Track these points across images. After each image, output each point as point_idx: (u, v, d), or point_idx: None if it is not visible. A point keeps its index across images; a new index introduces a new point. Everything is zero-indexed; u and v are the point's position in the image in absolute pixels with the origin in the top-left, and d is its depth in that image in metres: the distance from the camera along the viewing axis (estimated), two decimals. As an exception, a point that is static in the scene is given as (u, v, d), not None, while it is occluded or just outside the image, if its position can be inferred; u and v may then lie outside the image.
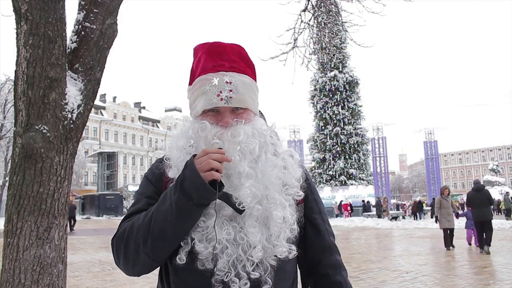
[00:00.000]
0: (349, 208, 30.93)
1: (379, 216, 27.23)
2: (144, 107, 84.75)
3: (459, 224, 20.43)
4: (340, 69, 36.19)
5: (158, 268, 1.28)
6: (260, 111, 1.39)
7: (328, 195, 33.21)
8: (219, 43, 1.28)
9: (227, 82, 1.21)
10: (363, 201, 32.53)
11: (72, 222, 22.91)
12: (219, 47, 1.27)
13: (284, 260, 1.18)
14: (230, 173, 1.17)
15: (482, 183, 12.12)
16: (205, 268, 1.13)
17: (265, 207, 1.18)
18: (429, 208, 33.14)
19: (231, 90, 1.20)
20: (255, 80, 1.31)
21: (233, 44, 1.30)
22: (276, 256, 1.17)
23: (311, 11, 6.16)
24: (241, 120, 1.21)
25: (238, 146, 1.18)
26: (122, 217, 1.30)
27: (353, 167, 35.23)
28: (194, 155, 1.15)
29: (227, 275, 1.12)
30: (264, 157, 1.22)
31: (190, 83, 1.30)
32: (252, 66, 1.32)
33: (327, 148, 35.64)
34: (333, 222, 21.34)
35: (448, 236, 11.52)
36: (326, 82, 36.00)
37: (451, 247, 11.33)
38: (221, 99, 1.20)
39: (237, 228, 1.15)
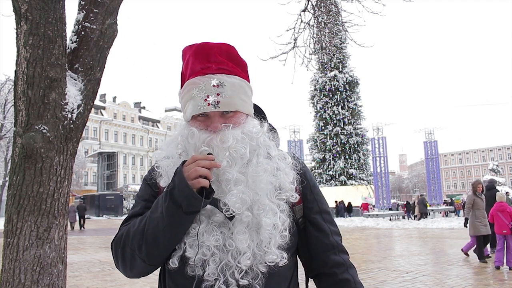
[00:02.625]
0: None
1: (423, 216, 26.82)
2: (144, 107, 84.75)
3: (460, 224, 20.49)
4: (340, 69, 36.19)
5: (159, 269, 1.29)
6: (260, 108, 1.37)
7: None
8: (206, 44, 1.25)
9: (214, 86, 1.18)
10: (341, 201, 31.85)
11: (82, 221, 24.83)
12: (206, 48, 1.23)
13: (276, 265, 1.16)
14: (220, 180, 1.16)
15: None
16: (195, 273, 1.13)
17: (256, 213, 1.16)
18: (429, 208, 33.18)
19: (218, 94, 1.18)
20: (247, 79, 1.28)
21: (221, 44, 1.26)
22: (266, 263, 1.15)
23: (311, 11, 6.16)
24: (229, 125, 1.18)
25: (227, 151, 1.16)
26: (123, 219, 1.30)
27: (353, 167, 35.25)
28: (184, 162, 1.14)
29: (216, 282, 1.11)
30: (255, 161, 1.20)
31: (181, 87, 1.28)
32: (243, 65, 1.28)
33: (327, 148, 35.64)
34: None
35: (482, 245, 9.10)
36: (326, 82, 35.99)
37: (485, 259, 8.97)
38: (209, 104, 1.17)
39: (227, 235, 1.14)
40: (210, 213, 1.16)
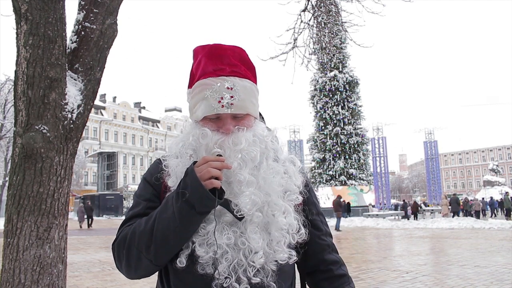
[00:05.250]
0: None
1: (455, 214, 27.15)
2: (144, 107, 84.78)
3: (460, 224, 20.48)
4: (340, 69, 36.11)
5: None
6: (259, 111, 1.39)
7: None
8: (219, 46, 1.26)
9: (228, 88, 1.19)
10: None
11: (90, 220, 27.26)
12: (220, 50, 1.25)
13: (286, 263, 1.19)
14: (231, 181, 1.18)
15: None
16: (205, 272, 1.14)
17: (266, 213, 1.18)
18: (430, 208, 33.29)
19: (232, 96, 1.19)
20: (256, 83, 1.30)
21: (234, 47, 1.28)
22: (276, 261, 1.17)
23: (311, 11, 6.16)
24: (243, 128, 1.21)
25: (239, 154, 1.17)
26: (123, 219, 1.30)
27: (353, 167, 35.17)
28: (195, 162, 1.15)
29: (227, 280, 1.12)
30: (265, 164, 1.22)
31: (190, 86, 1.28)
32: (253, 69, 1.30)
33: (327, 148, 35.58)
34: (334, 222, 21.34)
35: None
36: (326, 82, 35.92)
37: None
38: (222, 105, 1.19)
39: (238, 233, 1.16)
40: (219, 213, 1.17)
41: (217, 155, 1.16)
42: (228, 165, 1.14)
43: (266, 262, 1.16)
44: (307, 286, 1.38)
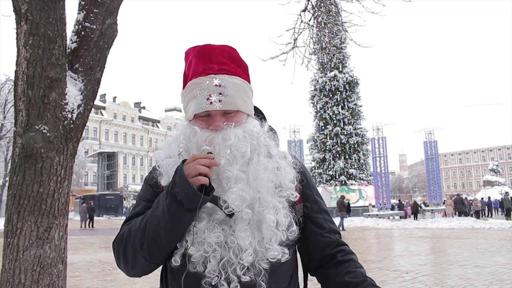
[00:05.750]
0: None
1: (461, 214, 27.17)
2: (144, 107, 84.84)
3: (460, 224, 20.49)
4: (340, 69, 36.08)
5: (160, 268, 1.30)
6: (259, 110, 1.38)
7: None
8: (208, 46, 1.27)
9: (216, 85, 1.20)
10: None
11: (90, 221, 27.53)
12: (209, 49, 1.26)
13: (278, 262, 1.18)
14: (221, 178, 1.18)
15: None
16: (197, 270, 1.14)
17: (257, 210, 1.18)
18: (430, 208, 33.33)
19: (220, 93, 1.20)
20: (248, 81, 1.30)
21: (223, 46, 1.29)
22: (268, 259, 1.17)
23: (311, 11, 6.16)
24: (231, 123, 1.21)
25: (228, 149, 1.18)
26: (123, 219, 1.31)
27: (353, 167, 35.15)
28: (184, 161, 1.16)
29: (216, 278, 1.13)
30: (256, 160, 1.22)
31: (184, 87, 1.30)
32: (244, 67, 1.31)
33: (327, 148, 35.55)
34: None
35: None
36: (326, 82, 35.90)
37: None
38: (211, 102, 1.19)
39: (228, 232, 1.16)
40: (211, 210, 1.18)
41: (207, 153, 1.16)
42: (216, 162, 1.15)
43: (257, 260, 1.16)
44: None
